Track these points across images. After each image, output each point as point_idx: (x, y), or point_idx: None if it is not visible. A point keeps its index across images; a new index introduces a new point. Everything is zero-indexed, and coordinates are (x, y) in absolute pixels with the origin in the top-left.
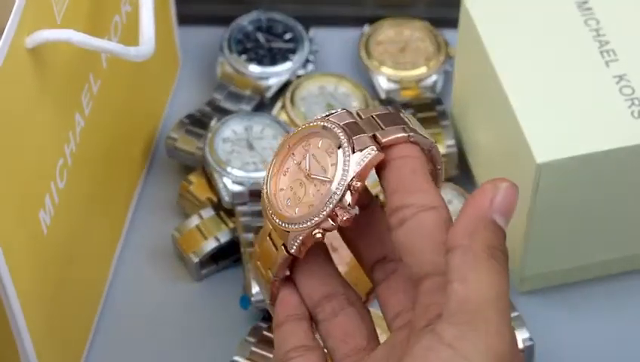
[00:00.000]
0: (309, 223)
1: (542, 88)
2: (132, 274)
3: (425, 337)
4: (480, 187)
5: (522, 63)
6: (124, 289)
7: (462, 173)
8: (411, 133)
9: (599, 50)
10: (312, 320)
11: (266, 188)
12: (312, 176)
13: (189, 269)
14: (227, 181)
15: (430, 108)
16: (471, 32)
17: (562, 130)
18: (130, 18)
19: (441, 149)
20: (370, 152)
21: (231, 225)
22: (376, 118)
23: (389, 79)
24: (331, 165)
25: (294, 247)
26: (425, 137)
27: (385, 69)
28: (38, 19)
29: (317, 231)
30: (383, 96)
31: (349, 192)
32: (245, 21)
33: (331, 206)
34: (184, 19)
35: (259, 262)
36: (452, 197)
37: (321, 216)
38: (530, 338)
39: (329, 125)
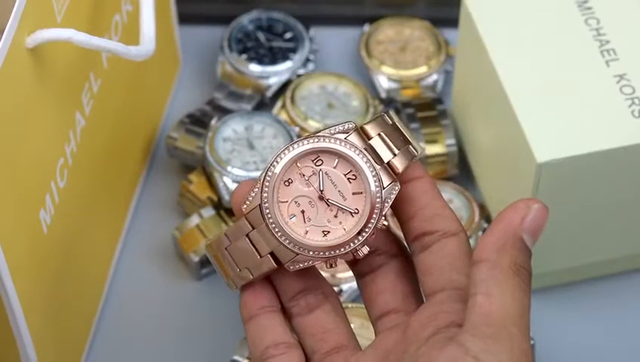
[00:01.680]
0: (327, 254)
1: (542, 88)
2: (132, 273)
3: (448, 348)
4: (511, 204)
5: (522, 63)
6: (124, 288)
7: (462, 173)
8: (416, 153)
9: (599, 49)
10: (286, 315)
11: (266, 193)
12: (328, 200)
13: (189, 268)
14: (227, 180)
15: (430, 108)
16: (471, 31)
17: (562, 129)
18: (131, 17)
19: (442, 148)
20: (395, 188)
21: (231, 224)
22: (384, 139)
23: (390, 78)
24: (353, 194)
25: (296, 267)
26: (417, 146)
27: (385, 68)
28: (38, 18)
29: (333, 261)
30: (383, 95)
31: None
32: (245, 20)
33: (358, 243)
34: (184, 19)
35: (228, 254)
36: (452, 196)
37: (344, 249)
38: (531, 338)
39: (349, 147)
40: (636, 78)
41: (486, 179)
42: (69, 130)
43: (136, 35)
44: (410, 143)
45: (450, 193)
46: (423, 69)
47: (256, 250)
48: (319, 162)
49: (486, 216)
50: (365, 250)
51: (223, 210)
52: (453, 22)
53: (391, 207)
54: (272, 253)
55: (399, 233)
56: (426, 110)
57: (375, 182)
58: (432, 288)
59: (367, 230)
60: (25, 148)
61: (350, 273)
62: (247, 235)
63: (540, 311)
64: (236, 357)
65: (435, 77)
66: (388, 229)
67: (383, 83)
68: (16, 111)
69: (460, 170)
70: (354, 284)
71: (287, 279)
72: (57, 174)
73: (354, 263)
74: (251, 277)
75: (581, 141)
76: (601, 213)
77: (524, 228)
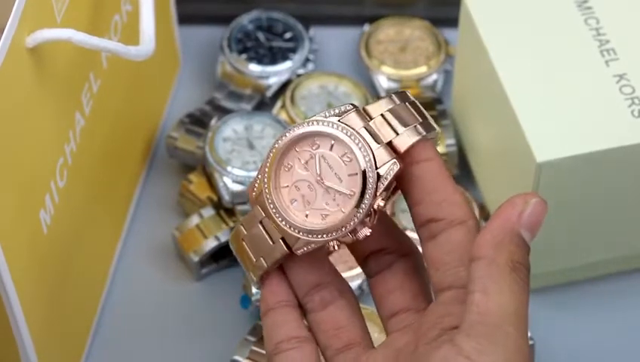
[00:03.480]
0: (326, 236)
1: (542, 87)
2: (132, 273)
3: (443, 348)
4: (509, 199)
5: (522, 62)
6: (124, 288)
7: (462, 173)
8: (424, 132)
9: (599, 49)
10: (302, 311)
11: (266, 179)
12: (325, 183)
13: (189, 268)
14: (227, 180)
15: (430, 108)
16: (471, 31)
17: (562, 129)
18: (131, 17)
19: (442, 149)
20: (393, 168)
21: (231, 224)
22: (387, 119)
23: (390, 78)
24: (349, 176)
25: (302, 251)
26: (432, 124)
27: (385, 68)
28: (38, 18)
29: (334, 243)
30: (383, 95)
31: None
32: (245, 20)
33: (354, 224)
34: (184, 19)
35: (245, 244)
36: None
37: (342, 231)
38: (531, 338)
39: (341, 129)
40: (636, 77)
41: (486, 179)
42: (69, 130)
43: (136, 35)
44: (420, 122)
45: None
46: (422, 69)
47: (269, 236)
48: (315, 146)
49: (486, 216)
50: (366, 231)
51: (223, 209)
52: (453, 22)
53: (400, 190)
54: (283, 239)
55: (411, 229)
56: (426, 110)
57: (367, 160)
58: (441, 284)
59: (361, 209)
60: (24, 148)
61: (351, 272)
62: (260, 222)
63: (540, 311)
64: (236, 357)
65: (434, 77)
66: (396, 228)
67: (383, 83)
68: (16, 111)
69: (459, 170)
70: (355, 284)
71: (302, 273)
72: (57, 174)
73: (364, 262)
74: (265, 266)
75: (581, 141)
76: (601, 212)
77: (522, 223)
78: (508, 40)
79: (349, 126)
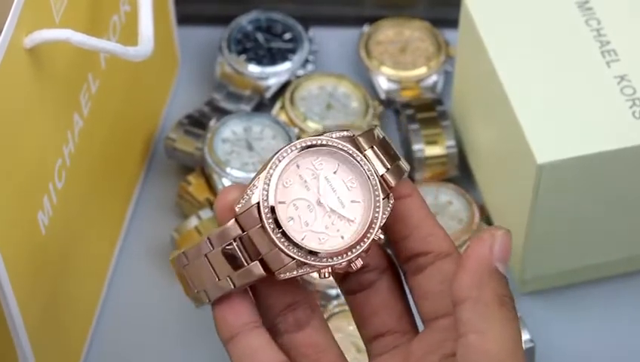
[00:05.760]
0: (323, 262)
1: (542, 88)
2: (131, 274)
3: None
4: (477, 237)
5: (523, 63)
6: (123, 289)
7: (462, 174)
8: (406, 169)
9: (600, 50)
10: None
11: (265, 192)
12: (327, 206)
13: None
14: (226, 182)
15: (430, 109)
16: (471, 32)
17: (563, 130)
18: (129, 18)
19: (442, 150)
20: (390, 202)
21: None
22: (377, 152)
23: (389, 79)
24: (351, 202)
25: (287, 275)
26: (405, 163)
27: (385, 69)
28: (36, 18)
29: (327, 271)
30: (382, 96)
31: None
32: (244, 21)
33: (355, 254)
34: (183, 19)
35: (207, 261)
36: (452, 198)
37: (339, 259)
38: (531, 340)
39: (351, 153)
40: (637, 78)
41: (486, 181)
42: (67, 131)
43: (134, 36)
44: (400, 159)
45: (450, 194)
46: (422, 70)
47: (244, 256)
48: (320, 165)
49: (486, 218)
50: (359, 263)
51: None
52: (453, 22)
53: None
54: (261, 260)
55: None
56: (426, 111)
57: (375, 191)
58: (434, 313)
59: (365, 240)
60: (22, 150)
61: None
62: (234, 239)
63: (541, 313)
64: None
65: (434, 78)
66: (376, 244)
67: (383, 84)
68: (14, 112)
69: (460, 171)
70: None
71: (276, 292)
72: (55, 175)
73: (342, 280)
74: (232, 287)
75: (581, 142)
76: (601, 214)
77: (495, 257)
78: (508, 41)
79: (356, 151)
